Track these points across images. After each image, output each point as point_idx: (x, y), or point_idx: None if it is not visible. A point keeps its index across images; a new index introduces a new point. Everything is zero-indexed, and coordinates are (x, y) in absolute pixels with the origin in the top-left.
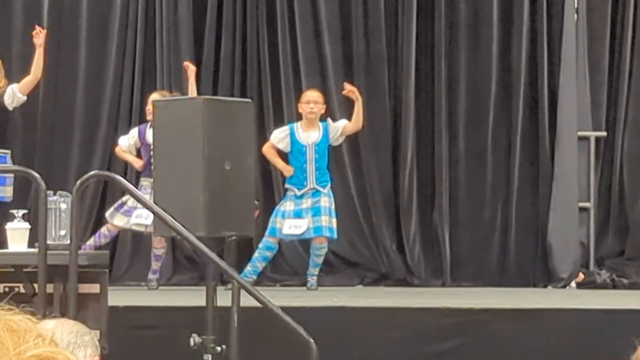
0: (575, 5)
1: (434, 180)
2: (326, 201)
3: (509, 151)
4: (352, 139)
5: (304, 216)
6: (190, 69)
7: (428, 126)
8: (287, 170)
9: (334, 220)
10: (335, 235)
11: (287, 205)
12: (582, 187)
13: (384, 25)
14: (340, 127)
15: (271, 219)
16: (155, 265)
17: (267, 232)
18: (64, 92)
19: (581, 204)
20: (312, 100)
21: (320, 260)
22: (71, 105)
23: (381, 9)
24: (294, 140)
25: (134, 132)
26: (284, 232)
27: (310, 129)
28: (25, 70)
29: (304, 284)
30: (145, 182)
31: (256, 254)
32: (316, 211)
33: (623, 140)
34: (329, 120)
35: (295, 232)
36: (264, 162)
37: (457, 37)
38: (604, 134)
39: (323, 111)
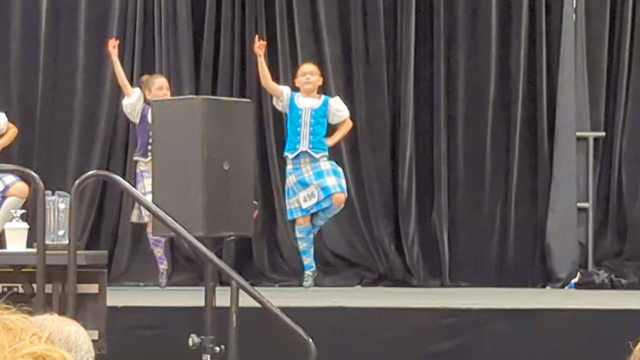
0: (574, 6)
1: (433, 181)
2: (326, 164)
3: (508, 151)
4: (351, 138)
5: (309, 183)
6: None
7: (427, 126)
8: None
9: (342, 179)
10: (345, 192)
11: (290, 181)
12: (580, 188)
13: (383, 24)
14: (343, 113)
15: (286, 202)
16: (157, 252)
17: (288, 217)
18: (63, 91)
19: (580, 204)
20: (307, 71)
21: (331, 216)
22: (69, 105)
23: (380, 8)
24: (292, 105)
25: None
26: (304, 207)
27: (309, 97)
28: (24, 70)
29: (303, 284)
30: (143, 166)
31: (302, 246)
32: (318, 175)
33: (622, 140)
34: (337, 98)
35: (312, 203)
36: (262, 162)
37: (455, 37)
38: (603, 134)
39: (320, 82)
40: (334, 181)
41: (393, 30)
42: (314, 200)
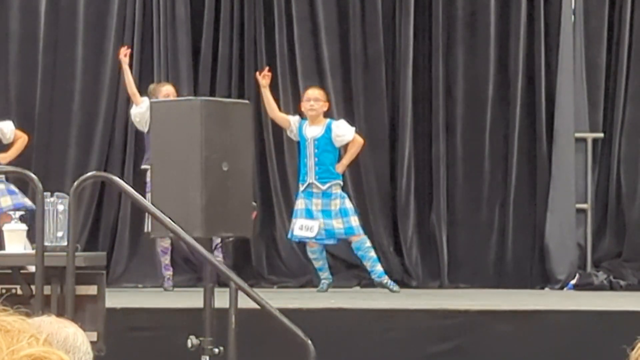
0: (573, 7)
1: (432, 182)
2: (337, 204)
3: (507, 152)
4: None
5: (315, 217)
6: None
7: (425, 127)
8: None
9: (352, 218)
10: (357, 232)
11: (298, 204)
12: (579, 189)
13: (382, 25)
14: (344, 137)
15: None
16: (164, 260)
17: (287, 236)
18: (61, 92)
19: (578, 206)
20: (312, 97)
21: (371, 254)
22: (68, 106)
23: (378, 9)
24: (300, 135)
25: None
26: (295, 233)
27: (313, 125)
28: (22, 72)
29: (301, 286)
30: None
31: (316, 265)
32: (326, 214)
33: (620, 141)
34: (340, 121)
35: (307, 235)
36: (261, 163)
37: (454, 38)
38: (601, 135)
39: (325, 108)
40: (340, 224)
41: (391, 30)
42: (310, 234)
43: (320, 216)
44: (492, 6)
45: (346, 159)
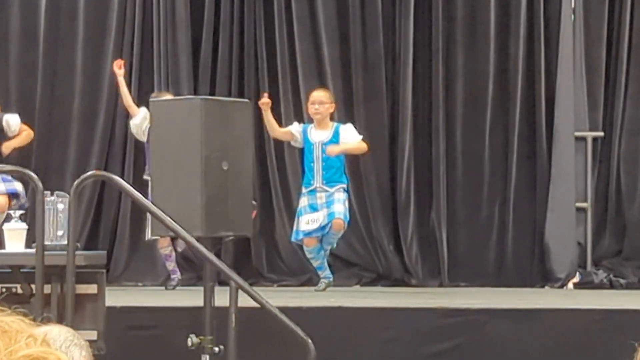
0: (572, 6)
1: (432, 181)
2: (340, 196)
3: (506, 151)
4: None
5: (320, 209)
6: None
7: (425, 126)
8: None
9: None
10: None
11: (302, 202)
12: (579, 187)
13: (382, 25)
14: (348, 140)
15: (295, 222)
16: (169, 266)
17: (291, 238)
18: (61, 92)
19: (578, 204)
20: (316, 101)
21: (334, 240)
22: (68, 105)
23: (378, 9)
24: (305, 139)
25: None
26: (301, 229)
27: (320, 129)
28: (23, 71)
29: (301, 285)
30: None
31: (314, 264)
32: (329, 203)
33: (620, 140)
34: (348, 125)
35: (313, 227)
36: (261, 162)
37: (454, 38)
38: (601, 134)
39: (331, 110)
40: (341, 208)
41: (391, 31)
42: (316, 225)
43: (324, 207)
44: (492, 6)
45: (342, 146)
